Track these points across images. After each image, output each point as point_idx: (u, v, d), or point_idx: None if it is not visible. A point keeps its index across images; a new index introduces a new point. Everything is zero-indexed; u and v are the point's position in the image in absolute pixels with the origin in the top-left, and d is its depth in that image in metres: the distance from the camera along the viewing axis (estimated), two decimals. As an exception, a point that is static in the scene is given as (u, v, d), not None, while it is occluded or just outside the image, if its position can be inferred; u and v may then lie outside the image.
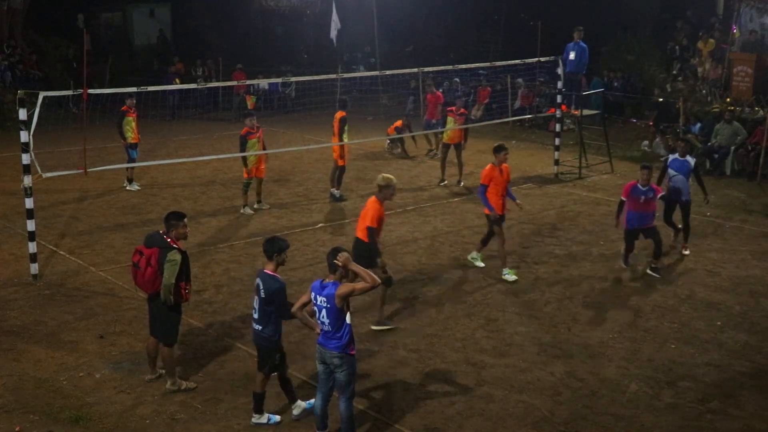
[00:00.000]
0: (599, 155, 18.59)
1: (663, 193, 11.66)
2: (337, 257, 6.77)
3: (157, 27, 33.73)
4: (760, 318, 9.87)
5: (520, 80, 23.77)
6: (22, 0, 27.42)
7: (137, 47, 33.65)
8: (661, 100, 20.73)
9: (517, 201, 11.64)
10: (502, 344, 9.14)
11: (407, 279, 11.17)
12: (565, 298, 10.52)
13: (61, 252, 12.33)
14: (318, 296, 6.83)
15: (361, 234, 9.30)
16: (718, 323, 9.68)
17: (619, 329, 9.54)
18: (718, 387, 8.16)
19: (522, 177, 17.25)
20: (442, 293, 10.65)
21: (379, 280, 6.97)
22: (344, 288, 6.75)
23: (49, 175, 11.60)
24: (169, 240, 7.76)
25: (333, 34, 25.96)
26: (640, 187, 11.13)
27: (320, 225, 13.76)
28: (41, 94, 10.83)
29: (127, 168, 15.97)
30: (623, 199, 11.29)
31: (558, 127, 17.67)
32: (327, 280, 6.86)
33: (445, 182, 16.68)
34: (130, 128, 15.87)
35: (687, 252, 12.05)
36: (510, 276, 11.04)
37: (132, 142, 15.92)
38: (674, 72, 22.97)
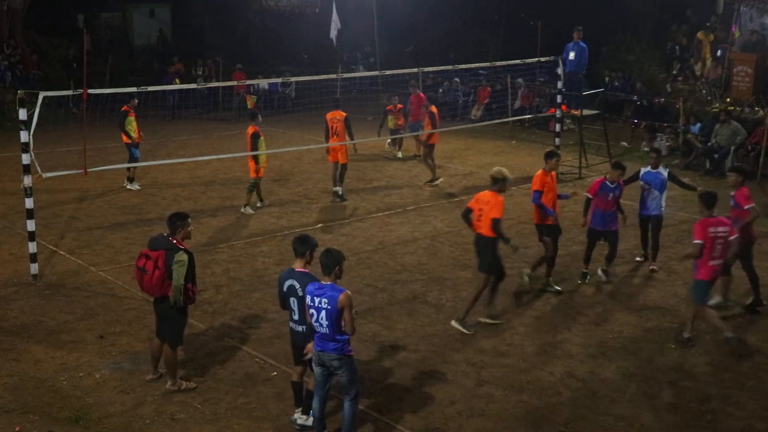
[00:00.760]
0: (599, 155, 18.59)
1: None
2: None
3: (157, 27, 33.75)
4: (760, 318, 9.87)
5: (520, 80, 23.77)
6: (22, 0, 27.42)
7: (137, 47, 33.68)
8: (635, 98, 20.71)
9: (570, 193, 11.35)
10: (502, 344, 9.14)
11: (407, 279, 11.17)
12: (565, 298, 10.53)
13: (61, 252, 12.33)
14: (315, 297, 6.73)
15: (485, 230, 9.38)
16: (718, 323, 9.68)
17: (619, 329, 9.54)
18: (718, 387, 8.16)
19: (522, 177, 17.24)
20: (442, 293, 10.65)
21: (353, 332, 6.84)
22: (347, 304, 6.61)
23: (49, 175, 11.60)
24: (174, 241, 7.73)
25: (333, 34, 25.98)
26: (608, 184, 10.92)
27: (320, 225, 13.76)
28: (41, 94, 10.83)
29: (128, 168, 15.99)
30: (590, 196, 10.98)
31: (558, 127, 17.68)
32: (324, 281, 6.78)
33: (441, 179, 16.64)
34: (132, 128, 15.89)
35: (655, 268, 11.48)
36: (555, 287, 10.65)
37: (136, 141, 15.95)
38: (674, 72, 22.98)
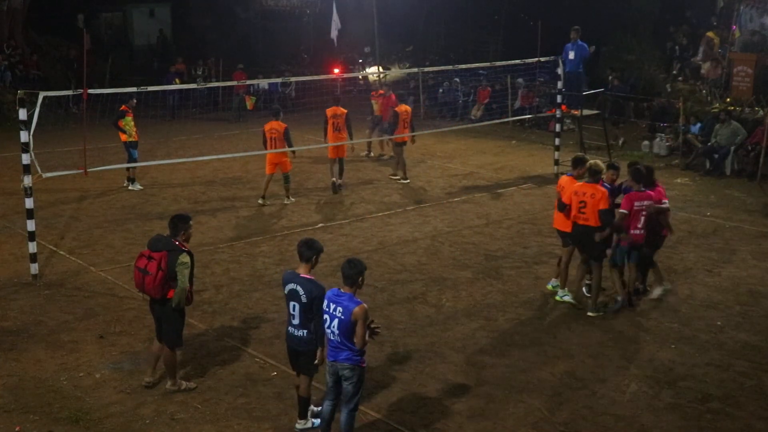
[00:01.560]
0: (599, 155, 18.56)
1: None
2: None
3: (157, 27, 33.74)
4: (760, 318, 9.87)
5: (520, 80, 23.77)
6: (22, 0, 27.42)
7: (137, 47, 33.66)
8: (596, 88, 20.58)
9: None
10: (502, 344, 9.14)
11: (407, 279, 11.17)
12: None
13: (61, 252, 12.33)
14: (332, 304, 6.64)
15: (593, 221, 9.68)
16: (718, 323, 9.68)
17: (619, 329, 9.54)
18: (718, 387, 8.16)
19: (522, 177, 17.27)
20: (442, 293, 10.66)
21: (365, 348, 6.76)
22: (361, 317, 6.52)
23: (49, 175, 11.60)
24: (177, 243, 7.71)
25: (333, 34, 25.96)
26: (606, 186, 10.90)
27: (320, 225, 13.76)
28: (41, 94, 10.82)
29: (127, 168, 15.99)
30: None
31: (558, 127, 17.68)
32: (344, 290, 6.66)
33: (408, 181, 16.71)
34: (130, 127, 15.89)
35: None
36: (568, 298, 10.39)
37: (133, 140, 15.94)
38: (674, 72, 22.98)
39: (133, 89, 13.53)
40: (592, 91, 19.66)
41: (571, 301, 10.30)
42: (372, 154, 19.41)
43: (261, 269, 11.55)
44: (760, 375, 8.43)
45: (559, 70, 17.16)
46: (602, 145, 18.64)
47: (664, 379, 8.31)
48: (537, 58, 17.32)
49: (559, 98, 17.55)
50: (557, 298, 10.40)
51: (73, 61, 27.48)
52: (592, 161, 10.05)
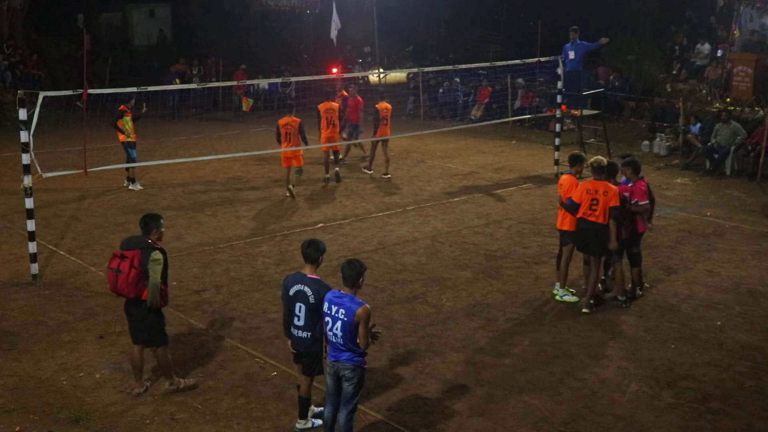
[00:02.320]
0: (599, 155, 18.55)
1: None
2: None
3: (157, 27, 33.77)
4: (760, 318, 9.87)
5: (520, 80, 23.77)
6: (22, 0, 27.43)
7: (137, 47, 33.68)
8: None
9: None
10: (502, 344, 9.14)
11: (407, 279, 11.17)
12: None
13: (61, 252, 12.33)
14: (333, 306, 6.60)
15: (603, 218, 9.73)
16: (718, 323, 9.68)
17: (619, 329, 9.54)
18: (718, 387, 8.16)
19: (522, 177, 17.27)
20: (442, 293, 10.66)
21: (367, 349, 6.73)
22: (364, 318, 6.48)
23: (49, 175, 11.60)
24: (149, 241, 7.74)
25: (333, 34, 25.98)
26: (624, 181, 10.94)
27: (320, 225, 13.76)
28: (41, 94, 10.83)
29: (127, 168, 15.99)
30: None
31: (558, 127, 17.68)
32: (344, 291, 6.63)
33: (372, 172, 17.28)
34: (129, 127, 15.89)
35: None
36: (569, 297, 10.37)
37: (131, 140, 15.94)
38: (674, 72, 22.98)
39: (133, 89, 13.54)
40: (592, 91, 19.68)
41: (572, 300, 10.29)
42: (346, 160, 18.93)
43: (261, 269, 11.55)
44: (760, 375, 8.42)
45: (559, 70, 17.17)
46: (602, 144, 18.64)
47: (664, 379, 8.31)
48: (537, 58, 17.32)
49: (559, 98, 17.56)
50: (557, 297, 10.40)
51: (81, 60, 27.46)
52: (593, 159, 10.08)
